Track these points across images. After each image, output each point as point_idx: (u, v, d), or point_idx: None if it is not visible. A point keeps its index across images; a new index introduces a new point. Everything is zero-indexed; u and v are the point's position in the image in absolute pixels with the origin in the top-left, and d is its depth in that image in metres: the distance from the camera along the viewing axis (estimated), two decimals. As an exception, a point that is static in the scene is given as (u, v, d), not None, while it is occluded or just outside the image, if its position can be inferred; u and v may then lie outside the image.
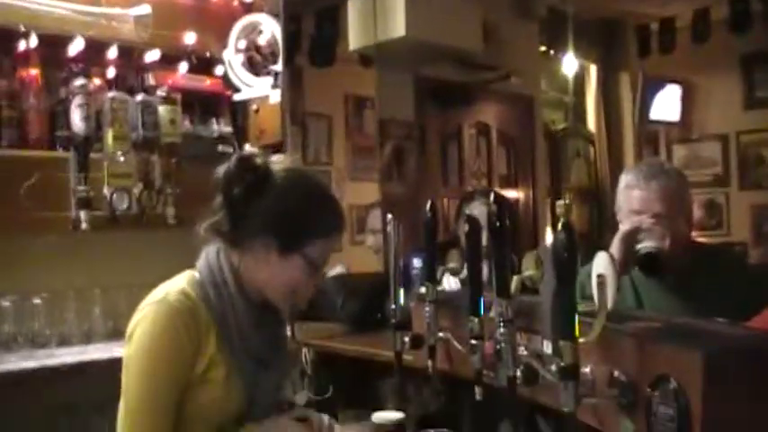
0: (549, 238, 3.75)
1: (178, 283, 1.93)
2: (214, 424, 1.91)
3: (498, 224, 1.74)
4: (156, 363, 1.84)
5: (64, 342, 3.17)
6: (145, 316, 1.87)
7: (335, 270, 3.55)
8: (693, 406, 1.38)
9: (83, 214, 3.18)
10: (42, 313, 3.19)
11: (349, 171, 4.02)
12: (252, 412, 1.96)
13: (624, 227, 2.48)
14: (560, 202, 1.59)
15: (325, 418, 2.10)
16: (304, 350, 3.53)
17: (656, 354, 1.50)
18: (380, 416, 2.49)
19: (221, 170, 1.94)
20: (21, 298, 3.16)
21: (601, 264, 1.58)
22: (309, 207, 1.96)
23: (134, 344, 1.87)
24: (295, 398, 3.45)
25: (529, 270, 1.75)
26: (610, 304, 1.55)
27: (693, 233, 2.66)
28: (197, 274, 1.96)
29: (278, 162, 1.98)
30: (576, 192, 6.26)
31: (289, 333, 3.49)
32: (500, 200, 1.78)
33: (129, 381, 1.86)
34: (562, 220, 1.53)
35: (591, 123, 6.55)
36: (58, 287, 3.21)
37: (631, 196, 2.48)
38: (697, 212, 3.71)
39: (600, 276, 1.57)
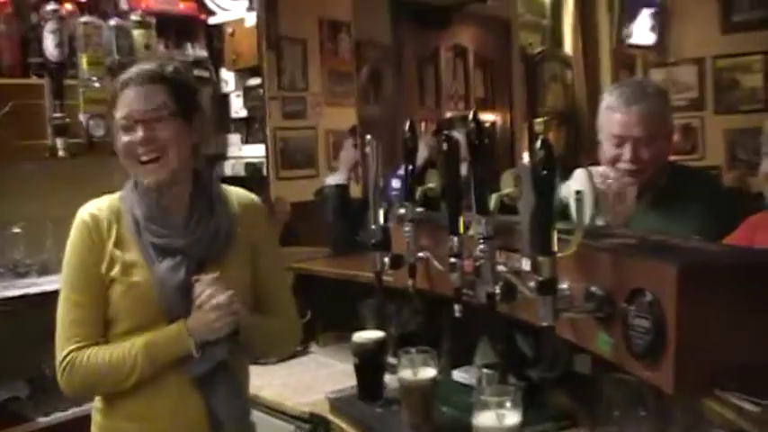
0: (526, 160, 3.76)
1: (98, 198, 2.14)
2: (134, 320, 2.04)
3: (477, 142, 1.76)
4: (69, 268, 2.06)
5: (45, 271, 3.18)
6: None
7: (335, 179, 3.56)
8: (668, 318, 1.42)
9: (59, 141, 3.16)
10: (22, 242, 3.20)
11: (325, 96, 3.98)
12: (166, 301, 2.04)
13: (604, 149, 2.49)
14: (539, 120, 1.60)
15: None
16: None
17: (631, 268, 1.53)
18: (361, 335, 2.53)
19: None
20: (0, 227, 3.16)
21: (578, 180, 1.60)
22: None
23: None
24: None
25: (507, 188, 1.77)
26: (587, 220, 1.58)
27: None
28: None
29: None
30: (552, 115, 6.24)
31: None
32: (479, 120, 1.79)
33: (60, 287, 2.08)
34: (540, 136, 1.55)
35: (568, 47, 6.51)
36: (36, 216, 3.20)
37: (612, 119, 2.48)
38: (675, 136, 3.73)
39: (578, 193, 1.59)
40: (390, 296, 2.99)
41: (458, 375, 2.62)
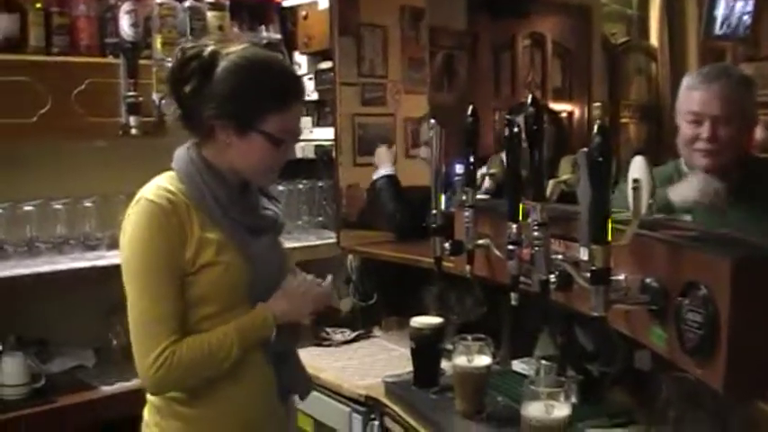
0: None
1: (155, 182, 1.98)
2: (227, 300, 1.96)
3: (535, 127, 1.72)
4: (148, 257, 1.89)
5: (114, 245, 3.22)
6: (129, 220, 1.94)
7: (384, 171, 3.55)
8: (722, 313, 1.37)
9: (132, 119, 3.21)
10: (93, 216, 3.26)
11: (404, 84, 3.96)
12: (257, 284, 2.01)
13: (682, 130, 2.42)
14: (596, 104, 1.56)
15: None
16: (349, 257, 3.57)
17: (687, 260, 1.48)
18: (419, 320, 2.52)
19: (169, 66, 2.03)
20: (72, 201, 3.23)
21: (636, 168, 1.55)
22: (254, 83, 1.94)
23: (126, 249, 1.93)
24: (340, 304, 3.52)
25: (565, 174, 1.74)
26: (644, 209, 1.53)
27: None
28: (172, 172, 2.01)
29: (233, 50, 1.96)
30: (635, 109, 6.10)
31: (334, 239, 3.55)
32: (538, 104, 1.75)
33: (130, 283, 1.92)
34: (597, 122, 1.51)
35: (654, 38, 6.35)
36: (108, 191, 3.26)
37: (691, 97, 2.40)
38: (762, 133, 3.59)
39: (635, 181, 1.55)
40: (454, 284, 2.98)
41: (517, 366, 2.60)
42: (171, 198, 1.92)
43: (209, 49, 1.96)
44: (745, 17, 5.93)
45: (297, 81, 2.06)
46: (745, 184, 2.40)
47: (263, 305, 2.00)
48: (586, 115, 5.07)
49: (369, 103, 3.79)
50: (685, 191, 2.28)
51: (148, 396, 2.05)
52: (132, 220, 1.92)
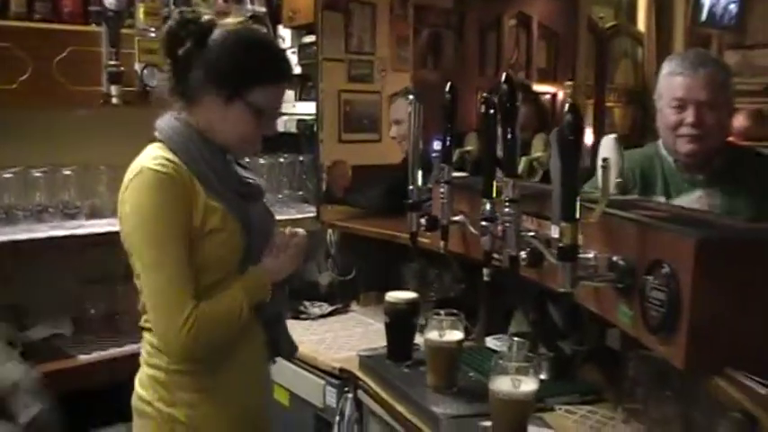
0: (588, 137, 3.69)
1: (149, 153, 1.98)
2: (227, 267, 1.99)
3: (508, 105, 1.73)
4: (163, 224, 1.90)
5: (94, 214, 3.23)
6: (133, 191, 1.92)
7: None
8: (684, 291, 1.39)
9: (114, 89, 3.21)
10: (73, 185, 3.25)
11: (392, 62, 3.96)
12: (253, 249, 2.05)
13: (664, 115, 2.43)
14: (568, 83, 1.57)
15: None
16: (329, 231, 3.58)
17: (652, 239, 1.50)
18: (393, 295, 2.54)
19: (165, 28, 2.01)
20: (52, 169, 3.22)
21: (606, 147, 1.57)
22: (247, 56, 1.97)
23: (134, 218, 1.92)
24: (318, 278, 3.53)
25: (537, 151, 1.75)
26: (612, 188, 1.55)
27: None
28: (160, 143, 2.00)
29: (230, 21, 2.01)
30: (620, 92, 6.11)
31: (314, 214, 3.56)
32: (512, 82, 1.76)
33: (145, 251, 1.92)
34: (568, 101, 1.52)
35: (641, 23, 6.34)
36: (88, 160, 3.26)
37: (675, 83, 2.39)
38: (744, 122, 3.62)
39: (604, 160, 1.57)
40: (433, 261, 2.99)
41: (491, 342, 2.62)
42: (173, 167, 1.93)
43: (207, 17, 2.00)
44: (732, 6, 5.94)
45: (287, 62, 2.09)
46: (725, 171, 2.43)
47: (258, 266, 2.04)
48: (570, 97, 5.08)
49: (355, 80, 3.79)
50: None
51: (148, 371, 2.04)
52: (138, 189, 1.91)
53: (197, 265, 1.94)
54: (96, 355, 3.08)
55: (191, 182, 1.93)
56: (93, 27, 3.25)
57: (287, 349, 2.23)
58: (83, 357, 3.08)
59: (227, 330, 1.97)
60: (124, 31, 3.25)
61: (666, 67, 2.47)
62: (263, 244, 2.08)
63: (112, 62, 3.19)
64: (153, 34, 3.24)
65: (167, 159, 1.93)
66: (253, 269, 2.03)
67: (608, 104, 4.59)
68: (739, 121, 3.63)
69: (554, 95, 4.84)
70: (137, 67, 3.25)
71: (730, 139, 2.70)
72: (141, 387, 2.05)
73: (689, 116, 2.36)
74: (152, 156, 1.95)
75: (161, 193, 1.89)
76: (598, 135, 3.59)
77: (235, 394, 2.05)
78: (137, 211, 1.90)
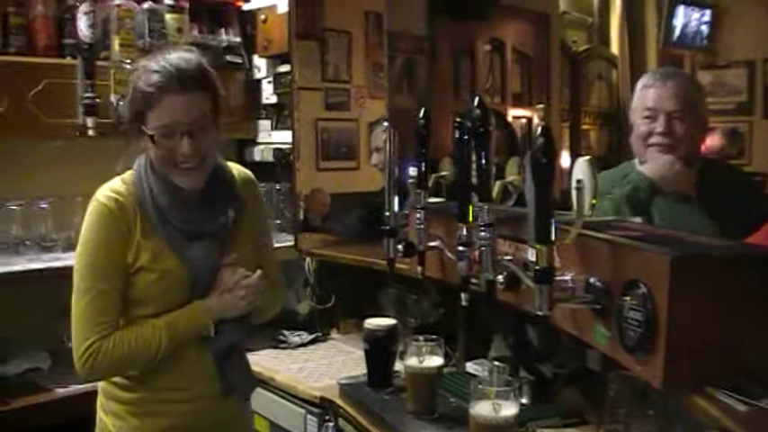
0: (565, 159, 3.71)
1: (111, 182, 2.10)
2: (164, 303, 2.06)
3: (481, 129, 1.74)
4: (87, 255, 2.03)
5: (71, 247, 3.20)
6: (85, 216, 2.06)
7: None
8: (660, 310, 1.39)
9: (89, 121, 3.21)
10: (49, 217, 3.24)
11: (369, 89, 3.98)
12: (197, 286, 2.10)
13: (636, 127, 2.46)
14: (539, 106, 1.58)
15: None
16: (307, 260, 3.58)
17: (627, 259, 1.51)
18: (372, 322, 2.53)
19: None
20: (28, 202, 3.21)
21: (580, 169, 1.57)
22: (133, 88, 2.02)
23: (78, 245, 2.06)
24: (297, 307, 3.52)
25: (511, 175, 1.76)
26: (587, 209, 1.55)
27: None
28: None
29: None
30: (595, 115, 6.14)
31: (292, 242, 3.55)
32: (484, 106, 1.77)
33: (75, 276, 2.04)
34: (541, 124, 1.53)
35: (614, 46, 6.39)
36: (64, 192, 3.24)
37: (646, 94, 2.45)
38: (718, 141, 3.63)
39: (578, 182, 1.57)
40: (411, 287, 2.99)
41: (471, 367, 2.62)
42: (119, 200, 2.03)
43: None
44: (704, 27, 6.01)
45: (168, 75, 1.98)
46: (699, 186, 2.45)
47: (199, 302, 2.08)
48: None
49: (332, 108, 3.80)
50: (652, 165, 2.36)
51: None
52: (86, 217, 2.05)
53: (133, 297, 2.04)
54: (73, 389, 3.04)
55: (134, 216, 2.03)
56: (68, 60, 3.24)
57: (239, 386, 2.23)
58: (60, 391, 3.05)
59: (138, 360, 2.05)
60: (99, 62, 3.24)
61: (640, 83, 2.52)
62: (211, 281, 2.11)
63: (88, 94, 3.19)
64: (128, 66, 3.24)
65: (118, 191, 2.04)
66: (191, 305, 2.08)
67: (584, 127, 4.63)
68: (714, 140, 3.64)
69: (529, 119, 4.87)
70: (112, 98, 3.24)
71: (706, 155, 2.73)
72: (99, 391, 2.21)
73: (659, 125, 2.40)
74: (108, 186, 2.07)
75: (97, 225, 2.02)
76: (574, 157, 3.61)
77: (162, 414, 2.11)
78: (80, 238, 2.05)
